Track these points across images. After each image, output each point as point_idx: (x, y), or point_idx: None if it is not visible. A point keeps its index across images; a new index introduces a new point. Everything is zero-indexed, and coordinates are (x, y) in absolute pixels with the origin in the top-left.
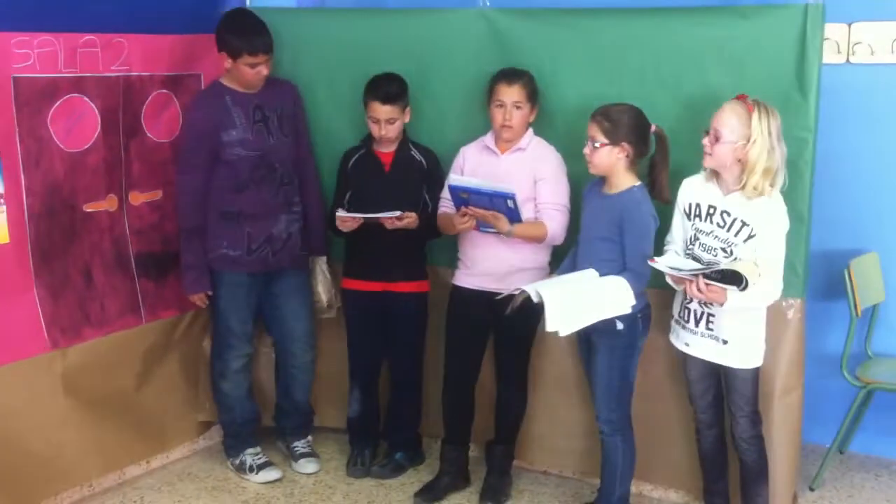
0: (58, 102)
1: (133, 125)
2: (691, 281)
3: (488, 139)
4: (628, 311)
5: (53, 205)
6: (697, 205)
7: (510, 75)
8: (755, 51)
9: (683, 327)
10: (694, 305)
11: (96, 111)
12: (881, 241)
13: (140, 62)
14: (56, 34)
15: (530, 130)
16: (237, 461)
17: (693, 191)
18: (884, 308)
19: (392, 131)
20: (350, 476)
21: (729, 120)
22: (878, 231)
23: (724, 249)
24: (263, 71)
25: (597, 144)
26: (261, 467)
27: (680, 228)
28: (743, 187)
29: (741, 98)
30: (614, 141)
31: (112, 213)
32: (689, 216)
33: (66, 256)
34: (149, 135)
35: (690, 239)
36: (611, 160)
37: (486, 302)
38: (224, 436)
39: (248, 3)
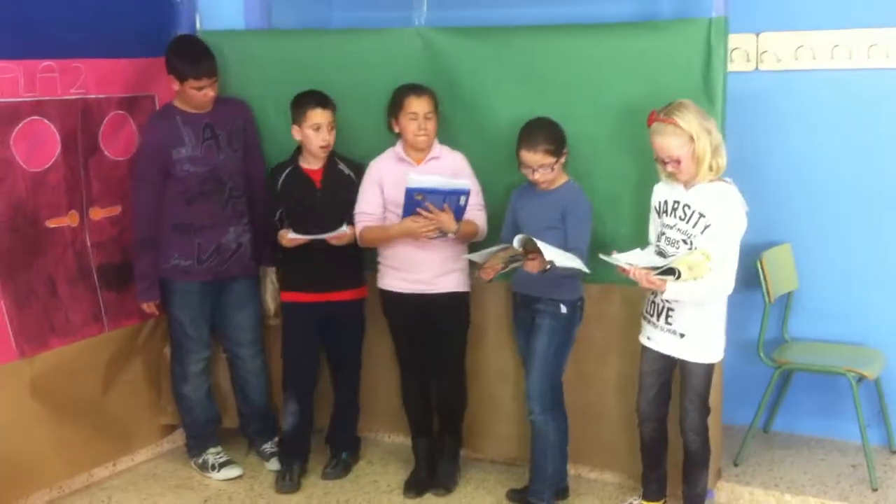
0: (19, 125)
1: (91, 145)
2: (632, 268)
3: (399, 151)
4: (587, 271)
5: (17, 221)
6: (665, 202)
7: (418, 89)
8: (667, 62)
9: (648, 321)
10: (658, 299)
11: (56, 132)
12: (793, 234)
13: (96, 85)
14: (16, 61)
15: (436, 140)
16: (199, 460)
17: (662, 190)
18: (797, 295)
19: (332, 138)
20: (280, 491)
21: (671, 143)
22: (791, 224)
23: (684, 241)
24: (210, 93)
25: (553, 168)
26: (222, 465)
27: (654, 228)
28: (700, 178)
29: (653, 119)
30: (559, 154)
31: (74, 227)
32: (658, 213)
33: (31, 270)
34: (107, 153)
35: (658, 235)
36: (559, 169)
37: (420, 303)
38: (186, 436)
39: (198, 25)
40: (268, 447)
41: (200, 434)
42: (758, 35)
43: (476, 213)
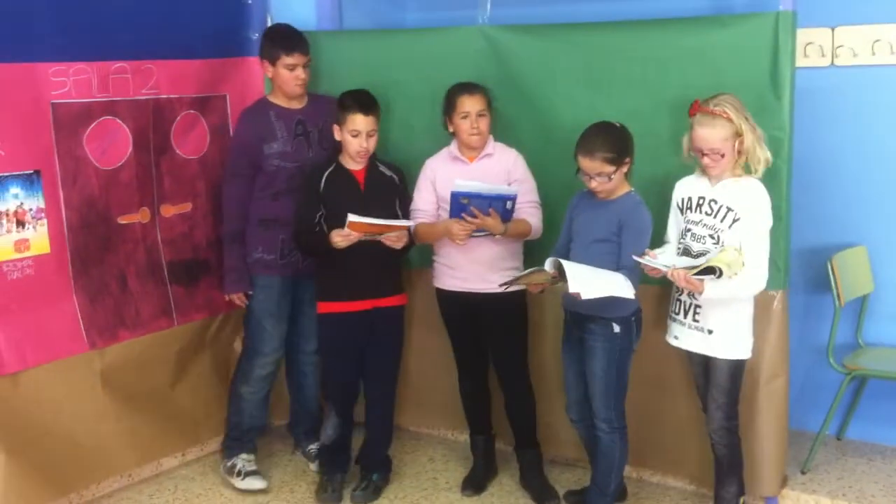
0: (92, 124)
1: (163, 143)
2: (669, 269)
3: (454, 150)
4: (631, 297)
5: (90, 218)
6: (689, 198)
7: (470, 87)
8: (732, 57)
9: (674, 320)
10: (684, 297)
11: (128, 131)
12: (868, 235)
13: (168, 86)
14: (90, 63)
15: (491, 137)
16: (229, 463)
17: (685, 187)
18: (873, 299)
19: (373, 144)
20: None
21: (717, 134)
22: (865, 226)
23: (711, 236)
24: (301, 74)
25: (612, 178)
26: (248, 474)
27: (674, 226)
28: (740, 171)
29: (695, 110)
30: (619, 163)
31: (145, 224)
32: (682, 210)
33: (103, 264)
34: (178, 152)
35: (683, 232)
36: (620, 179)
37: (472, 301)
38: (226, 436)
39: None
40: (314, 448)
41: (241, 437)
42: (833, 29)
43: (530, 210)
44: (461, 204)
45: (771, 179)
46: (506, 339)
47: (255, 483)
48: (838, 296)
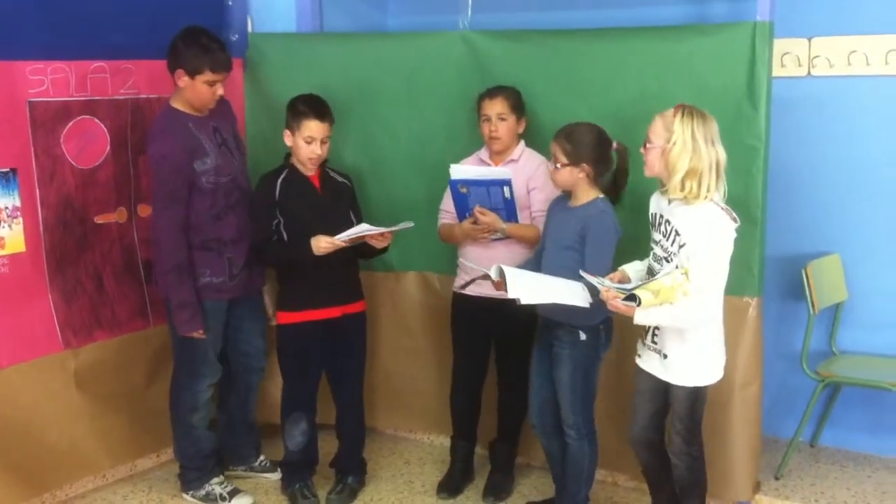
0: (70, 123)
1: (141, 143)
2: (604, 288)
3: (483, 153)
4: (586, 305)
5: (66, 217)
6: (654, 215)
7: (492, 91)
8: (711, 65)
9: (641, 339)
10: None
11: (106, 131)
12: (843, 244)
13: (147, 86)
14: (68, 62)
15: (522, 142)
16: (201, 493)
17: (654, 202)
18: (848, 307)
19: (325, 150)
20: None
21: (655, 126)
22: (840, 234)
23: (665, 259)
24: (220, 90)
25: (558, 165)
26: (232, 494)
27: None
28: (669, 190)
29: (677, 107)
30: (574, 162)
31: (122, 224)
32: (651, 227)
33: (79, 264)
34: None
35: (651, 249)
36: (572, 178)
37: (486, 306)
38: (184, 469)
39: (250, 28)
40: (265, 460)
41: (204, 466)
42: (810, 40)
43: (543, 219)
44: (461, 194)
45: (746, 186)
46: (515, 343)
47: (243, 500)
48: (812, 303)
